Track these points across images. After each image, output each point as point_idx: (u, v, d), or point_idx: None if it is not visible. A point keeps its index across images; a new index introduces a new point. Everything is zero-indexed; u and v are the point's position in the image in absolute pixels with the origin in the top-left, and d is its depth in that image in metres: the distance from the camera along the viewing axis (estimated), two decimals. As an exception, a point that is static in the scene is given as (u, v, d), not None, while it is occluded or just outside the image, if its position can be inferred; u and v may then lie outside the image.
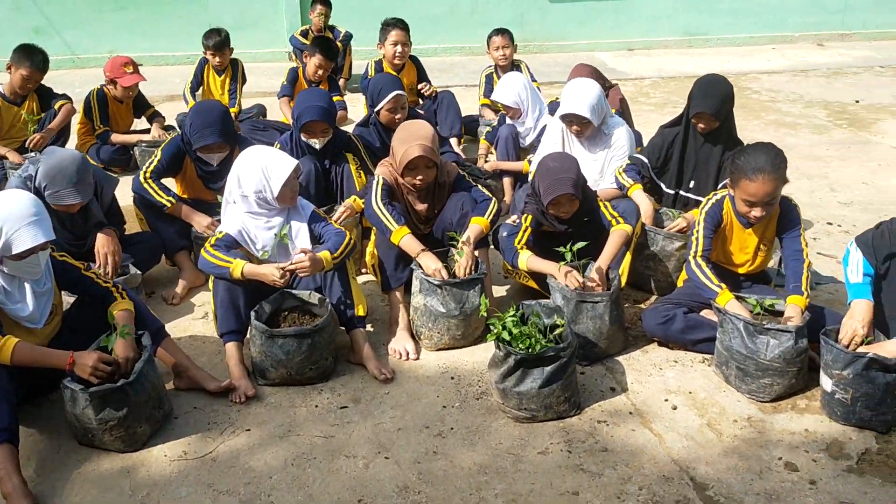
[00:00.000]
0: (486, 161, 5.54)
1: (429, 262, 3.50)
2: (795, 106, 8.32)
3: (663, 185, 4.35)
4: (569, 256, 3.35)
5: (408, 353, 3.49)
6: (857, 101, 8.44)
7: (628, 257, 3.86)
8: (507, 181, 5.27)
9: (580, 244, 3.36)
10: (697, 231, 3.47)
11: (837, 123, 7.70)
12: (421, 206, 3.84)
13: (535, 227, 3.73)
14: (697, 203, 4.21)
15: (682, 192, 4.31)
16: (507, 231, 3.79)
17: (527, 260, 3.61)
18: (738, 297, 3.33)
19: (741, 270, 3.63)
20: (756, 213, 3.28)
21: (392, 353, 3.52)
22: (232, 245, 3.40)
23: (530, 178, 4.18)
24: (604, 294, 3.35)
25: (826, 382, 2.99)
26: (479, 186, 3.88)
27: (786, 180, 3.24)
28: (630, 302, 4.00)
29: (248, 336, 3.32)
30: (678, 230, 3.95)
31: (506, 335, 2.96)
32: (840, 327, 3.08)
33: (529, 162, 4.99)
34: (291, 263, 3.25)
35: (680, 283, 3.80)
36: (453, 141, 5.96)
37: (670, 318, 3.44)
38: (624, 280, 3.83)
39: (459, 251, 3.54)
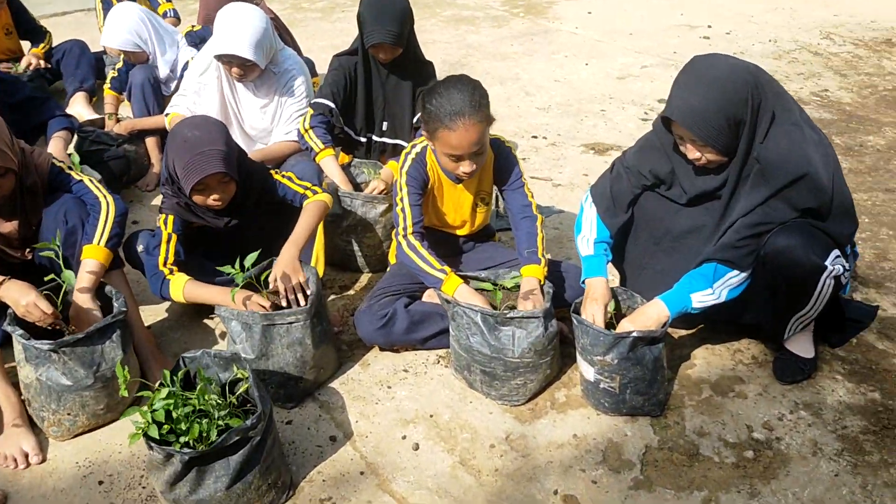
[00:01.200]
0: (116, 119, 4.20)
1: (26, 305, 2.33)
2: (470, -3, 7.82)
3: (352, 133, 3.46)
4: (239, 279, 2.36)
5: (25, 457, 2.31)
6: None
7: (321, 235, 2.94)
8: (150, 143, 4.02)
9: (251, 257, 2.37)
10: (401, 199, 2.64)
11: (514, 12, 7.32)
12: (6, 226, 2.56)
13: (183, 229, 2.66)
14: (396, 149, 3.40)
15: (375, 138, 3.46)
16: (143, 243, 2.67)
17: (184, 288, 2.55)
18: (467, 278, 2.61)
19: (461, 233, 2.90)
20: (465, 168, 2.53)
21: (1, 461, 2.31)
22: None
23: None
24: (298, 311, 2.43)
25: (587, 370, 2.41)
26: (86, 181, 2.66)
27: (491, 119, 2.51)
28: (336, 289, 3.14)
29: None
30: (379, 192, 3.11)
31: (154, 431, 1.93)
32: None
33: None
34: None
35: (392, 259, 3.00)
36: (80, 98, 4.50)
37: (390, 318, 2.64)
38: (321, 267, 2.93)
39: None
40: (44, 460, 2.32)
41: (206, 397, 2.05)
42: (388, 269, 2.97)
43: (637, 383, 2.36)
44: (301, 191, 2.76)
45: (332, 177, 3.17)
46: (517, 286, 2.54)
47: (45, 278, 2.33)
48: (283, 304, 2.51)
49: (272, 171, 2.81)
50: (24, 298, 2.29)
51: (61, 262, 2.34)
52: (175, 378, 2.11)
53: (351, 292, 3.12)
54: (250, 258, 2.37)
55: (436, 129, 2.44)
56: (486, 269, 2.75)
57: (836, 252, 2.33)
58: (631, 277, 2.72)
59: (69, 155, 3.45)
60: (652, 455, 2.28)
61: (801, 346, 2.60)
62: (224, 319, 2.46)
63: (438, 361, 2.69)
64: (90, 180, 2.65)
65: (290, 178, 2.79)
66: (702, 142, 2.27)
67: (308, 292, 2.51)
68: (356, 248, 3.15)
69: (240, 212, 2.70)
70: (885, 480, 2.16)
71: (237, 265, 2.36)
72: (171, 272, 2.58)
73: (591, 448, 2.32)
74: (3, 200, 2.48)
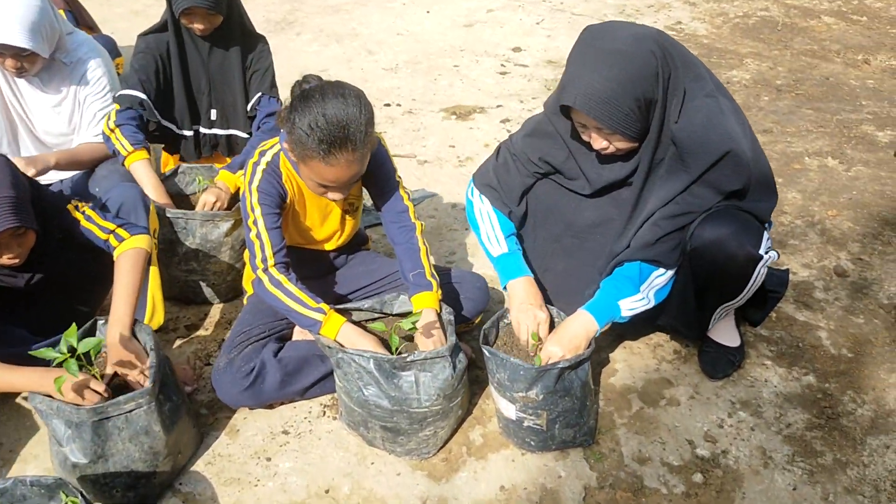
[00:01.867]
0: None
1: None
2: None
3: (173, 127, 2.83)
4: (72, 369, 1.77)
5: None
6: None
7: (154, 275, 2.35)
8: None
9: (71, 333, 1.79)
10: (254, 223, 2.11)
11: (339, -43, 6.65)
12: None
13: None
14: (231, 142, 2.82)
15: (203, 130, 2.86)
16: None
17: None
18: (346, 311, 2.15)
19: (329, 247, 2.41)
20: (334, 196, 2.05)
21: None
22: None
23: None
24: (137, 395, 1.86)
25: (507, 408, 2.03)
26: None
27: (374, 142, 2.02)
28: (182, 330, 2.56)
29: None
30: (217, 208, 2.54)
31: None
32: (500, 321, 2.12)
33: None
34: None
35: (248, 287, 2.46)
36: None
37: (258, 374, 2.12)
38: (159, 316, 2.35)
39: None
40: None
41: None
42: (244, 301, 2.43)
43: (567, 415, 2.01)
44: (104, 236, 2.14)
45: (144, 187, 2.55)
46: (414, 323, 2.09)
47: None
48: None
49: (70, 206, 2.17)
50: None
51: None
52: (-26, 526, 1.53)
53: (202, 332, 2.56)
54: (71, 334, 1.78)
55: (306, 156, 1.92)
56: (367, 295, 2.29)
57: (766, 236, 2.06)
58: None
59: None
60: (593, 497, 1.96)
61: (726, 334, 2.35)
62: (42, 415, 1.87)
63: (324, 413, 2.22)
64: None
65: (90, 218, 2.16)
66: (609, 129, 1.89)
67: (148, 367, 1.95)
68: (200, 277, 2.57)
69: (41, 261, 2.07)
70: (846, 486, 1.96)
71: (63, 346, 1.77)
72: None
73: (522, 500, 1.96)
74: None
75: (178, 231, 2.49)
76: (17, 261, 1.96)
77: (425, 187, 3.26)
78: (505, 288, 2.15)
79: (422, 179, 3.33)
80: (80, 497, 1.60)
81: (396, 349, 2.01)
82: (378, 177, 2.22)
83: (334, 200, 2.07)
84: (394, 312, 2.21)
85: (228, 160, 2.91)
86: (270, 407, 2.22)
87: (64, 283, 2.24)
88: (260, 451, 2.10)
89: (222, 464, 2.07)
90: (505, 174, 2.20)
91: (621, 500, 1.95)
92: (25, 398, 2.27)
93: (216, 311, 2.64)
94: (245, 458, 2.08)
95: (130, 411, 1.86)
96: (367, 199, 2.88)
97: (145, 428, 1.88)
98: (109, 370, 1.95)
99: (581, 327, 2.00)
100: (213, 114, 2.85)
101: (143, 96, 2.69)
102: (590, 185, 2.11)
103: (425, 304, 2.10)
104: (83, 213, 2.15)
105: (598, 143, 1.96)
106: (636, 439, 2.11)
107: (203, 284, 2.59)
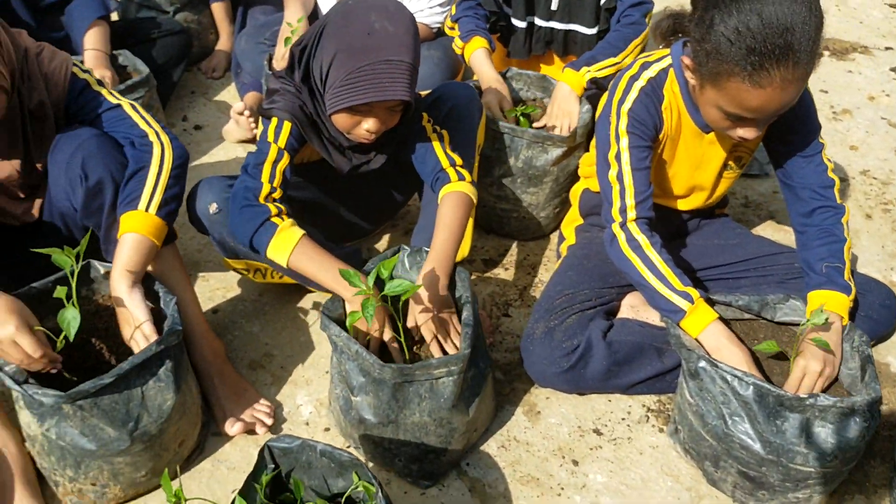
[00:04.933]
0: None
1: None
2: None
3: (514, 19, 2.36)
4: (357, 286, 1.42)
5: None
6: None
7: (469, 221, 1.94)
8: (217, 9, 2.97)
9: (389, 264, 1.43)
10: (615, 157, 1.63)
11: None
12: (3, 167, 1.63)
13: (291, 151, 1.67)
14: (569, 40, 2.32)
15: (538, 22, 2.35)
16: (215, 197, 1.74)
17: (295, 247, 1.55)
18: (713, 301, 1.63)
19: (685, 206, 1.87)
20: (747, 133, 1.49)
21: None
22: None
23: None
24: (450, 360, 1.47)
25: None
26: (125, 106, 1.68)
27: (818, 61, 1.43)
28: (478, 264, 2.16)
29: None
30: (546, 127, 2.08)
31: None
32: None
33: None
34: None
35: (569, 234, 2.00)
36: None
37: (581, 357, 1.68)
38: (464, 248, 1.94)
39: None
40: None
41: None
42: (560, 250, 1.98)
43: None
44: (446, 164, 1.73)
45: (484, 81, 2.13)
46: (821, 331, 1.51)
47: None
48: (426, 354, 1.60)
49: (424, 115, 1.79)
50: None
51: (73, 286, 1.42)
52: (258, 486, 1.25)
53: (499, 271, 2.15)
54: (388, 265, 1.44)
55: (723, 73, 1.38)
56: (718, 279, 1.76)
57: None
58: None
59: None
60: None
61: None
62: (336, 350, 1.55)
63: (648, 419, 1.75)
64: (132, 106, 1.67)
65: (441, 137, 1.76)
66: None
67: (460, 329, 1.56)
68: (511, 206, 2.14)
69: (381, 152, 1.74)
70: None
71: (371, 277, 1.43)
72: (280, 214, 1.60)
73: None
74: None
75: (498, 148, 2.05)
76: (371, 138, 1.62)
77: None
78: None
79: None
80: (375, 483, 1.25)
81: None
82: (796, 125, 1.63)
83: (743, 139, 1.51)
84: (777, 319, 1.65)
85: (561, 61, 2.41)
86: (581, 392, 1.78)
87: (367, 195, 1.94)
88: (565, 448, 1.68)
89: (518, 452, 1.67)
90: None
91: None
92: (304, 310, 2.01)
93: (519, 249, 2.22)
94: (546, 454, 1.67)
95: (437, 378, 1.49)
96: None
97: (449, 400, 1.51)
98: (410, 322, 1.58)
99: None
100: (555, 2, 2.32)
101: None
102: None
103: (835, 308, 1.53)
104: (436, 129, 1.77)
105: None
106: None
107: (513, 215, 2.16)
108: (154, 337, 1.50)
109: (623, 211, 1.63)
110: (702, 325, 1.53)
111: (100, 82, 1.69)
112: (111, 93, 1.70)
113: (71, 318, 1.39)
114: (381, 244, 2.23)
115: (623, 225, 1.63)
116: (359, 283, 1.43)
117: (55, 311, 1.46)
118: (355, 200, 2.03)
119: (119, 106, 1.67)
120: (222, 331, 1.92)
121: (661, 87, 1.65)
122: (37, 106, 1.59)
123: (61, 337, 1.43)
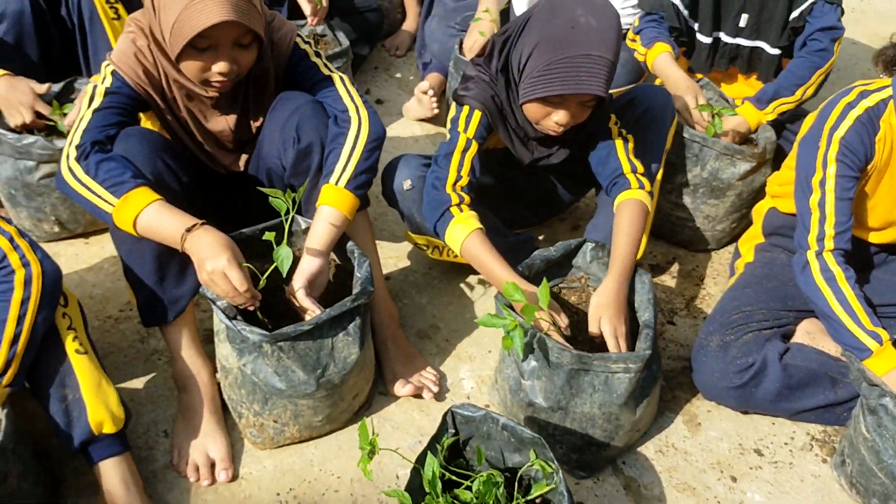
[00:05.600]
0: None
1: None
2: None
3: (699, 34, 2.33)
4: (516, 298, 1.47)
5: (211, 468, 1.65)
6: None
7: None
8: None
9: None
10: (819, 186, 1.59)
11: None
12: (219, 121, 1.76)
13: (480, 140, 1.75)
14: (753, 57, 2.28)
15: (725, 38, 2.31)
16: (409, 174, 1.82)
17: (467, 238, 1.64)
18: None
19: (879, 239, 1.81)
20: None
21: (185, 470, 1.66)
22: None
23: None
24: (630, 357, 1.50)
25: None
26: (336, 80, 1.78)
27: None
28: (645, 269, 2.17)
29: None
30: (732, 137, 2.06)
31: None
32: None
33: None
34: None
35: (747, 253, 1.97)
36: None
37: (755, 375, 1.66)
38: (640, 250, 1.96)
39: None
40: (233, 478, 1.65)
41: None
42: (736, 266, 1.96)
43: None
44: (627, 169, 1.74)
45: (672, 83, 2.13)
46: None
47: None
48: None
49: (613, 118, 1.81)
50: (211, 261, 1.46)
51: (287, 231, 1.54)
52: (440, 446, 1.32)
53: (665, 278, 2.15)
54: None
55: None
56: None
57: None
58: None
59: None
60: None
61: None
62: (505, 327, 1.61)
63: (811, 448, 1.71)
64: (341, 79, 1.78)
65: (626, 140, 1.78)
66: None
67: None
68: (687, 215, 2.13)
69: (564, 146, 1.78)
70: None
71: (543, 293, 1.47)
72: (460, 205, 1.68)
73: None
74: (231, 83, 1.65)
75: (685, 155, 2.04)
76: (559, 130, 1.66)
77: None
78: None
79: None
80: (557, 469, 1.29)
81: None
82: None
83: None
84: None
85: (744, 78, 2.37)
86: (745, 411, 1.77)
87: (542, 193, 1.99)
88: (724, 462, 1.68)
89: (676, 459, 1.68)
90: None
91: None
92: (471, 287, 2.07)
93: (688, 258, 2.20)
94: (704, 465, 1.67)
95: (614, 373, 1.52)
96: None
97: (621, 396, 1.53)
98: (592, 325, 1.60)
99: None
100: (744, 19, 2.29)
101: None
102: None
103: None
104: (623, 135, 1.80)
105: None
106: None
107: (688, 224, 2.15)
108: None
109: (821, 240, 1.60)
110: (888, 368, 1.49)
111: (317, 53, 1.81)
112: (325, 64, 1.81)
113: (284, 255, 1.50)
114: (550, 235, 2.27)
115: (819, 254, 1.60)
116: (519, 297, 1.46)
117: (259, 257, 1.59)
118: (528, 193, 2.07)
119: (329, 78, 1.77)
120: (393, 298, 2.01)
121: (878, 117, 1.60)
122: (261, 70, 1.72)
123: (264, 276, 1.55)
